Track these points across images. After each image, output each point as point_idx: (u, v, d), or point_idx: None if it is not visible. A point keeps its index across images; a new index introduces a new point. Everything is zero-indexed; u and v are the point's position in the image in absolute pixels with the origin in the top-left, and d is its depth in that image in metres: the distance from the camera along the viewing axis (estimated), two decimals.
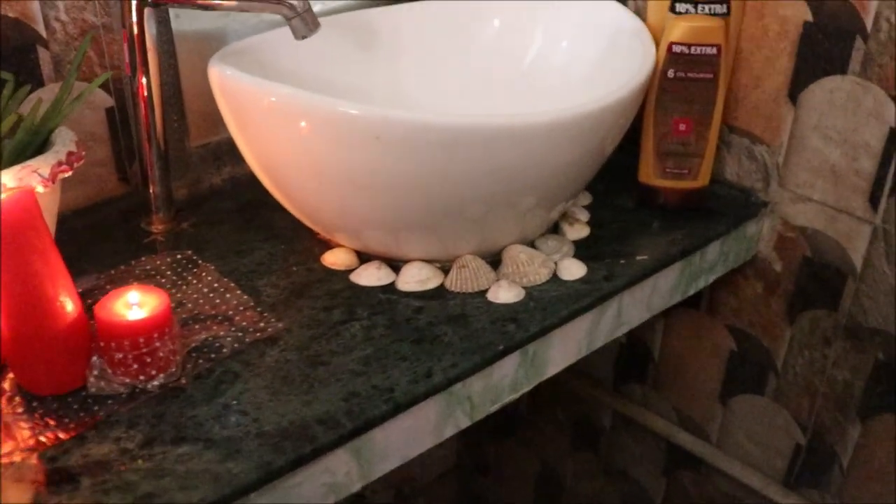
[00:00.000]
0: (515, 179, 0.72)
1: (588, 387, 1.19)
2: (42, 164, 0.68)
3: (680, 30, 0.80)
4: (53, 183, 0.68)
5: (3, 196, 0.61)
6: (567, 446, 1.29)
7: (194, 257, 0.79)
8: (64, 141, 0.71)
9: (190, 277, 0.76)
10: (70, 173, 0.70)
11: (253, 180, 0.79)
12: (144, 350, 0.64)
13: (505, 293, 0.75)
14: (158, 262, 0.78)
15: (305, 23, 0.74)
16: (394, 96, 0.88)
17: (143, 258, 0.79)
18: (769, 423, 1.02)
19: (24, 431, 0.61)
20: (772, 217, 0.92)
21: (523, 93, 0.89)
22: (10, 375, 0.66)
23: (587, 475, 1.28)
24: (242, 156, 0.76)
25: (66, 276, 0.64)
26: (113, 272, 0.77)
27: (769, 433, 1.02)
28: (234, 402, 0.64)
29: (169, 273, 0.77)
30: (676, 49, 0.81)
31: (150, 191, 0.82)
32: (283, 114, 0.69)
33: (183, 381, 0.65)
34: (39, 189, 0.67)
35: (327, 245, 0.81)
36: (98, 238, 0.82)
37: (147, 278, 0.76)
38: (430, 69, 0.91)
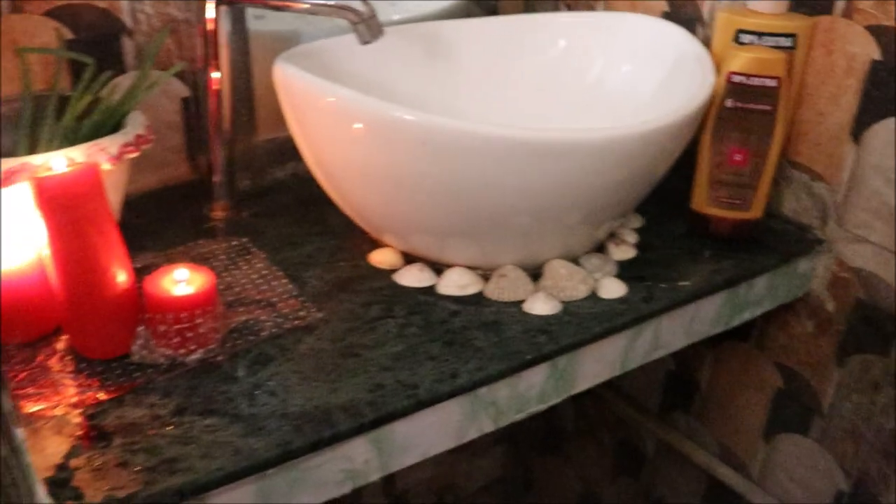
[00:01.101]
0: (561, 195, 0.73)
1: (633, 411, 1.19)
2: (111, 144, 0.72)
3: (741, 60, 0.81)
4: (119, 161, 0.73)
5: (70, 168, 0.66)
6: (609, 470, 1.29)
7: (248, 245, 0.83)
8: (135, 124, 0.76)
9: (241, 263, 0.80)
10: (137, 154, 0.74)
11: (314, 176, 0.83)
12: (186, 325, 0.68)
13: (541, 305, 0.76)
14: (214, 247, 0.82)
15: (370, 29, 0.78)
16: (450, 107, 0.91)
17: (200, 241, 0.83)
18: (812, 465, 1.00)
19: (69, 388, 0.65)
20: (827, 256, 0.91)
21: (581, 113, 0.91)
22: (66, 337, 0.71)
23: (628, 502, 1.28)
24: None
25: (122, 249, 0.68)
26: (171, 252, 0.81)
27: (812, 476, 1.00)
28: (265, 382, 0.67)
29: (223, 257, 0.81)
30: (736, 79, 0.81)
31: (214, 179, 0.86)
32: (338, 114, 0.72)
33: (220, 357, 0.69)
34: (106, 166, 0.72)
35: (376, 244, 0.84)
36: (163, 219, 0.87)
37: (202, 260, 0.80)
38: (491, 84, 0.93)
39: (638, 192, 0.80)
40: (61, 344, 0.70)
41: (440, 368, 0.69)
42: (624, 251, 0.85)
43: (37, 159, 0.68)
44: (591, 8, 1.05)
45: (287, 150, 0.93)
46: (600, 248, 0.85)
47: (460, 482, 1.46)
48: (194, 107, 0.89)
